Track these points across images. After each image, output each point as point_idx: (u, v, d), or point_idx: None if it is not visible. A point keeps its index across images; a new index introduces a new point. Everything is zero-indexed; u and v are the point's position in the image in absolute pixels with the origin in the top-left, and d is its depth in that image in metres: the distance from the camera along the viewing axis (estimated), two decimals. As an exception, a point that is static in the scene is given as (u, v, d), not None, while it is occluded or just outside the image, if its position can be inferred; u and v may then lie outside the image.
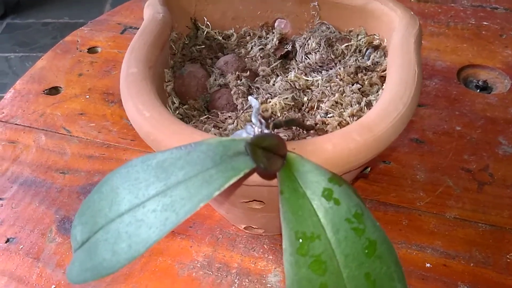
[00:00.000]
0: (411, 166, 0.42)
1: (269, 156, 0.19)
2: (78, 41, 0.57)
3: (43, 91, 0.51)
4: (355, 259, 0.18)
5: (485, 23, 0.59)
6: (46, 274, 0.35)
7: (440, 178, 0.41)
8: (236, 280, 0.34)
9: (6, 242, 0.37)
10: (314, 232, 0.18)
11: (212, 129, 0.26)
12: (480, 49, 0.55)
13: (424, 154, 0.43)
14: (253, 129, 0.21)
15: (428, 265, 0.35)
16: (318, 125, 0.26)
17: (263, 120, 0.21)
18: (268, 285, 0.34)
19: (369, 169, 0.40)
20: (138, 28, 0.60)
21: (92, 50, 0.56)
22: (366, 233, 0.18)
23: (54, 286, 0.35)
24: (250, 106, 0.27)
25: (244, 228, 0.36)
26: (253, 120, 0.21)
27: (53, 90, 0.51)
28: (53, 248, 0.37)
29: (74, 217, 0.23)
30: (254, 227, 0.35)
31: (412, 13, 0.30)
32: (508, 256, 0.35)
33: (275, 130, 0.26)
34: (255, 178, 0.20)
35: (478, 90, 0.51)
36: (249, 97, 0.21)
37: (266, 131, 0.21)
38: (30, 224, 0.39)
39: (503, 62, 0.53)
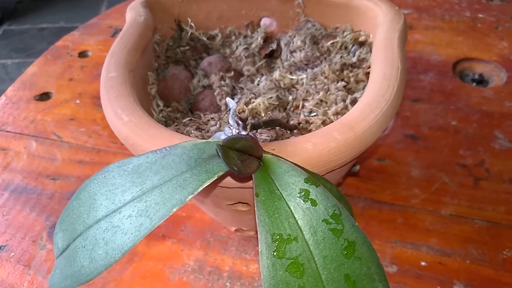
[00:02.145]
0: (406, 163, 0.42)
1: (243, 158, 0.18)
2: (69, 45, 0.57)
3: (34, 97, 0.51)
4: (334, 261, 0.18)
5: (480, 15, 0.58)
6: (37, 281, 0.35)
7: (435, 175, 0.40)
8: (227, 284, 0.34)
9: (-3, 250, 0.37)
10: (291, 234, 0.18)
11: (194, 131, 0.26)
12: (475, 42, 0.54)
13: (419, 150, 0.42)
14: (231, 131, 0.21)
15: (423, 263, 0.34)
16: (301, 124, 0.26)
17: (240, 122, 0.20)
18: None
19: (358, 167, 0.39)
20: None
21: (82, 55, 0.56)
22: (344, 233, 0.18)
23: (45, 293, 0.34)
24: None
25: (235, 230, 0.36)
26: (230, 121, 0.21)
27: (44, 96, 0.51)
28: (44, 255, 0.37)
29: (56, 224, 0.23)
30: (244, 229, 0.34)
31: (397, 8, 0.29)
32: (504, 252, 0.34)
33: (258, 131, 0.26)
34: (230, 180, 0.20)
35: (474, 84, 0.50)
36: (227, 98, 0.21)
37: (243, 132, 0.20)
38: (21, 231, 0.38)
39: (499, 55, 0.52)
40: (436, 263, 0.34)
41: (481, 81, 0.50)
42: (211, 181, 0.18)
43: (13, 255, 0.37)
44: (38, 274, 0.36)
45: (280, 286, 0.17)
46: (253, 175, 0.18)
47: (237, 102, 0.27)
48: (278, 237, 0.18)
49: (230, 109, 0.22)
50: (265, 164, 0.19)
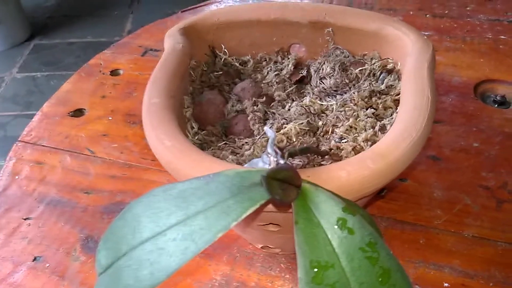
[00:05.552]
0: (428, 184, 0.42)
1: (284, 186, 0.19)
2: (101, 64, 0.60)
3: (68, 113, 0.53)
4: (369, 287, 0.19)
5: (502, 37, 0.59)
6: (72, 292, 0.37)
7: (457, 196, 0.41)
8: (254, 299, 0.35)
9: (33, 261, 0.39)
10: (329, 261, 0.19)
11: (230, 155, 0.27)
12: (497, 63, 0.54)
13: (441, 172, 0.43)
14: (269, 159, 0.22)
15: (446, 284, 0.35)
16: (332, 150, 0.27)
17: (278, 151, 0.21)
18: (286, 304, 0.35)
19: (385, 190, 0.40)
20: (158, 50, 0.63)
21: (114, 73, 0.58)
22: (380, 261, 0.19)
23: (80, 304, 0.36)
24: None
25: (261, 247, 0.37)
26: (269, 150, 0.22)
27: (78, 112, 0.53)
28: (78, 266, 0.38)
29: (100, 241, 0.24)
30: (271, 246, 0.35)
31: (425, 37, 0.30)
32: (529, 276, 0.35)
33: (290, 158, 0.27)
34: (271, 207, 0.21)
35: (496, 105, 0.50)
36: (265, 128, 0.22)
37: (281, 160, 0.21)
38: (55, 243, 0.40)
39: (521, 76, 0.52)
40: (459, 285, 0.35)
41: (503, 102, 0.51)
42: (254, 209, 0.19)
43: (48, 266, 0.39)
44: (72, 285, 0.37)
45: (318, 310, 0.18)
46: (292, 203, 0.20)
47: (270, 127, 0.28)
48: (316, 263, 0.19)
49: (267, 136, 0.24)
50: (304, 192, 0.20)
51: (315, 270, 0.18)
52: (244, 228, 0.33)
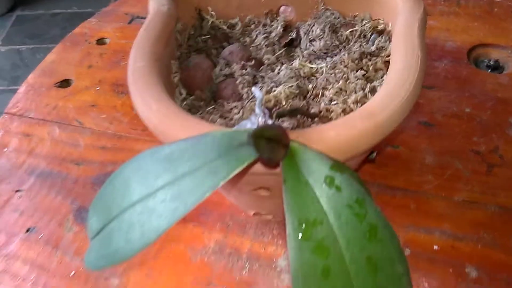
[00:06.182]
0: (419, 149, 0.42)
1: (272, 146, 0.19)
2: (86, 32, 0.58)
3: (55, 84, 0.52)
4: (357, 243, 0.19)
5: (497, 0, 0.57)
6: (65, 262, 0.37)
7: (449, 161, 0.41)
8: (246, 265, 0.35)
9: (26, 232, 0.39)
10: (317, 218, 0.19)
11: (219, 119, 0.27)
12: (492, 27, 0.54)
13: (433, 137, 0.43)
14: (257, 120, 0.22)
15: (436, 247, 0.35)
16: (322, 112, 0.27)
17: (266, 110, 0.21)
18: (278, 269, 0.35)
19: (374, 154, 0.40)
20: (145, 18, 0.61)
21: (100, 42, 0.57)
22: (367, 218, 0.19)
23: (74, 272, 0.36)
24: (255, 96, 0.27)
25: (254, 214, 0.37)
26: (257, 110, 0.22)
27: (64, 83, 0.52)
28: (71, 236, 0.39)
29: (89, 208, 0.24)
30: (263, 213, 0.36)
31: (417, -4, 0.29)
32: (516, 237, 0.35)
33: (280, 119, 0.27)
34: (259, 167, 0.21)
35: (490, 70, 0.50)
36: (253, 88, 0.22)
37: (269, 121, 0.21)
38: (48, 215, 0.40)
39: (515, 41, 0.52)
40: (448, 247, 0.35)
41: (497, 67, 0.50)
42: (242, 168, 0.19)
43: (41, 237, 0.39)
44: (66, 255, 0.37)
45: (306, 266, 0.18)
46: (280, 162, 0.19)
47: (260, 90, 0.27)
48: (304, 220, 0.19)
49: (255, 98, 0.23)
50: (292, 151, 0.20)
51: (303, 226, 0.18)
52: (236, 193, 0.33)
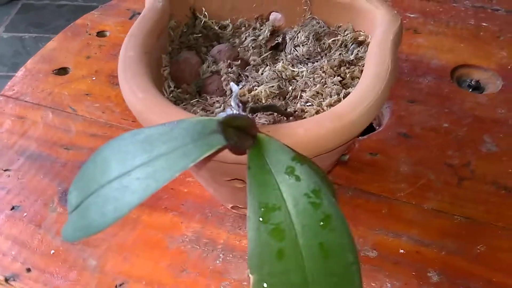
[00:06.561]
0: (396, 159, 0.44)
1: (240, 135, 0.21)
2: (88, 24, 0.60)
3: (52, 71, 0.54)
4: (311, 230, 0.20)
5: (484, 24, 0.60)
6: (47, 240, 0.38)
7: (422, 171, 0.43)
8: (221, 255, 0.37)
9: (11, 210, 0.41)
10: (276, 203, 0.20)
11: (200, 111, 0.29)
12: (476, 49, 0.56)
13: (410, 148, 0.45)
14: (232, 112, 0.23)
15: (402, 251, 0.37)
16: (297, 112, 0.29)
17: (240, 104, 0.23)
18: (249, 260, 0.37)
19: (347, 157, 0.42)
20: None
21: (101, 34, 0.59)
22: (322, 207, 0.20)
23: (53, 251, 0.38)
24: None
25: (232, 207, 0.39)
26: (232, 103, 0.23)
27: (62, 71, 0.54)
28: (54, 217, 0.40)
29: (71, 184, 0.25)
30: (240, 206, 0.37)
31: (395, 12, 0.32)
32: (479, 247, 0.37)
33: (258, 116, 0.28)
34: (228, 154, 0.23)
35: (470, 90, 0.52)
36: (231, 83, 0.24)
37: (242, 113, 0.23)
38: (34, 195, 0.42)
39: (497, 63, 0.54)
40: (413, 252, 0.37)
41: (478, 87, 0.52)
42: (211, 152, 0.20)
43: (25, 215, 0.40)
44: (48, 234, 0.39)
45: (263, 246, 0.20)
46: (247, 150, 0.21)
47: (240, 88, 0.29)
48: (264, 205, 0.20)
49: (233, 92, 0.25)
50: (259, 142, 0.22)
51: (262, 210, 0.20)
52: (213, 184, 0.34)
